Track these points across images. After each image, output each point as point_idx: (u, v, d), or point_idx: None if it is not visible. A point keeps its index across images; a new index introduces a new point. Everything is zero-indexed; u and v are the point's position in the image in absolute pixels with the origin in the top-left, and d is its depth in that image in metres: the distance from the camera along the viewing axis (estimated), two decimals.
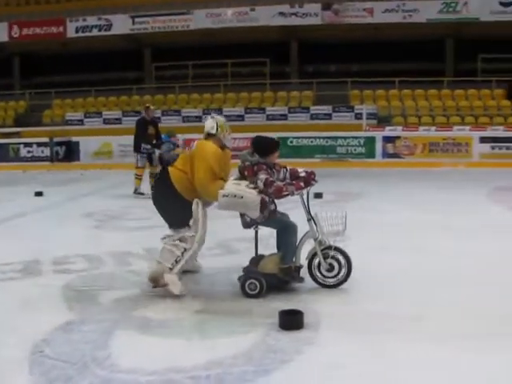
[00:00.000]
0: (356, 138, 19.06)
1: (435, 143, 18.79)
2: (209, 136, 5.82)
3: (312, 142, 19.82)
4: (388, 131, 19.46)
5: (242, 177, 5.61)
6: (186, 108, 23.37)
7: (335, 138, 19.61)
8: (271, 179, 5.41)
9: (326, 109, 21.78)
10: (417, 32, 22.73)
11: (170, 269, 5.54)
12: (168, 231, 5.85)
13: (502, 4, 22.11)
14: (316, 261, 5.69)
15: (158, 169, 11.96)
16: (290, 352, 4.12)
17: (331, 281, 5.67)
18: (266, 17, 23.13)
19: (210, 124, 5.86)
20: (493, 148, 18.62)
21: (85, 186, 15.00)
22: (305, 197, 5.64)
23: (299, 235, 5.62)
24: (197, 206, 5.58)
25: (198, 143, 5.79)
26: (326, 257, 5.64)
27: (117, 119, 23.30)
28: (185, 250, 5.60)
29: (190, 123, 21.63)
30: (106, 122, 23.33)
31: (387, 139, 19.00)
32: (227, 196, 5.36)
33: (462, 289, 5.57)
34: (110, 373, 3.81)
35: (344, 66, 24.79)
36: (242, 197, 5.33)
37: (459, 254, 6.83)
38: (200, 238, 5.64)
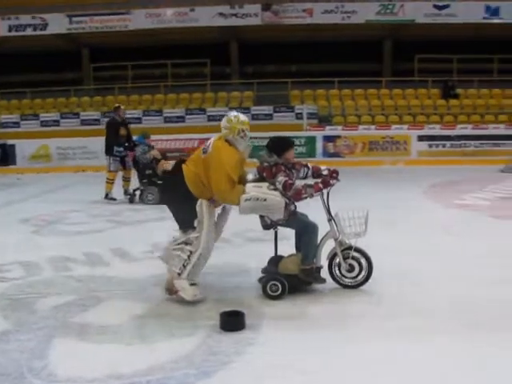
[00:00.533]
0: (297, 137, 19.18)
1: (375, 142, 19.15)
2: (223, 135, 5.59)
3: (253, 142, 19.76)
4: (328, 131, 19.70)
5: (260, 178, 5.58)
6: (125, 110, 22.97)
7: None
8: (290, 181, 5.37)
9: (266, 109, 21.86)
10: (356, 33, 23.10)
11: (179, 274, 5.35)
12: (177, 233, 5.69)
13: (436, 7, 22.68)
14: (336, 261, 5.68)
15: (134, 172, 11.82)
16: (231, 353, 4.12)
17: (351, 281, 5.66)
18: (205, 17, 23.02)
19: (223, 123, 5.59)
20: (430, 146, 19.12)
21: (21, 190, 14.58)
22: (325, 197, 5.61)
23: (319, 235, 5.56)
24: (201, 206, 5.39)
25: (215, 146, 5.46)
26: (346, 257, 5.64)
27: (55, 121, 22.73)
28: (190, 252, 5.38)
29: (130, 125, 21.27)
30: (44, 124, 22.74)
31: (328, 139, 19.24)
32: (250, 200, 5.29)
33: (405, 286, 5.72)
34: (48, 383, 3.73)
35: (284, 67, 24.94)
36: (265, 199, 5.28)
37: (401, 251, 7.02)
38: (205, 239, 5.34)
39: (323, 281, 5.59)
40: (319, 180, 5.52)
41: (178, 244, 5.48)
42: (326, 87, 22.97)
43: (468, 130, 19.70)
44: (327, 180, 5.51)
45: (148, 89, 23.68)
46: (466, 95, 22.44)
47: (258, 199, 5.28)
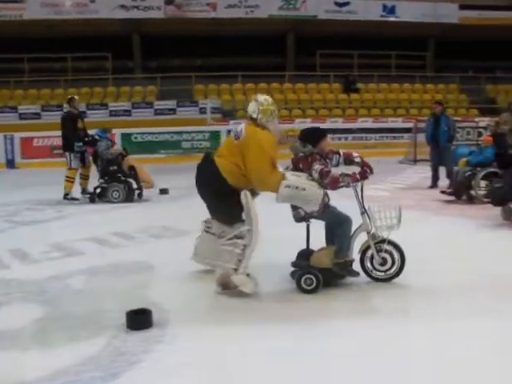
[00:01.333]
0: (201, 132, 19.11)
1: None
2: (252, 120, 5.47)
3: (157, 137, 19.58)
4: (232, 125, 19.68)
5: (295, 169, 5.46)
6: (22, 104, 21.99)
7: (180, 133, 19.54)
8: (326, 169, 5.30)
9: (170, 104, 21.63)
10: (259, 27, 23.25)
11: (235, 269, 5.29)
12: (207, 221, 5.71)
13: (336, 4, 23.25)
14: (369, 254, 5.61)
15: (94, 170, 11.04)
16: (139, 352, 4.02)
17: (383, 275, 5.62)
18: (106, 9, 22.49)
19: (251, 107, 5.49)
20: (332, 139, 19.49)
21: None
22: (358, 189, 5.53)
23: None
24: (246, 198, 5.24)
25: (249, 131, 5.37)
26: (379, 250, 5.59)
27: None
28: (244, 246, 5.30)
29: (27, 120, 20.45)
30: None
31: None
32: (289, 187, 5.17)
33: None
34: None
35: (188, 61, 24.75)
36: (304, 189, 5.17)
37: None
38: (256, 231, 5.27)
39: (357, 274, 5.54)
40: (356, 171, 5.48)
41: (229, 239, 5.41)
42: (229, 81, 23.03)
43: (369, 123, 20.36)
44: (365, 172, 5.48)
45: (47, 83, 22.80)
46: (367, 90, 23.16)
47: (297, 188, 5.19)
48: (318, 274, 5.35)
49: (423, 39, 25.38)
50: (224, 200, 5.36)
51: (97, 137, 11.28)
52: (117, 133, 17.74)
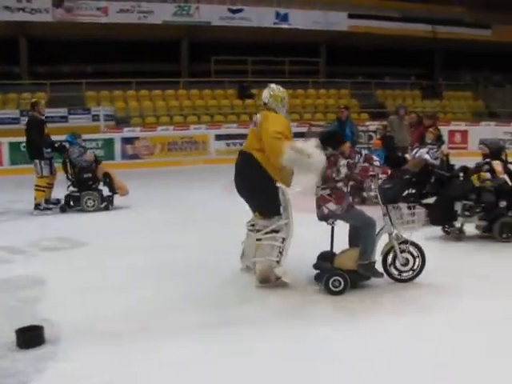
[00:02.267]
0: (94, 140, 18.52)
1: (174, 142, 19.13)
2: (264, 106, 6.02)
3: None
4: (126, 132, 19.31)
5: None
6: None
7: None
8: (353, 161, 5.55)
9: (61, 111, 20.78)
10: (153, 33, 22.87)
11: (278, 262, 5.67)
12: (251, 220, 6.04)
13: (230, 10, 23.37)
14: (391, 255, 5.82)
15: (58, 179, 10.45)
16: (30, 372, 3.83)
17: (406, 275, 5.87)
18: None
19: (264, 94, 6.07)
20: (228, 145, 19.59)
21: None
22: (378, 192, 5.80)
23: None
24: (284, 194, 5.69)
25: (262, 114, 5.93)
26: (402, 251, 5.80)
27: None
28: (283, 239, 5.70)
29: None
30: None
31: (126, 140, 18.79)
32: (295, 150, 5.44)
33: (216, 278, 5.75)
34: None
35: (79, 67, 24.03)
36: (309, 156, 5.38)
37: (203, 248, 7.09)
38: (292, 225, 5.71)
39: (381, 275, 5.72)
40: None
41: (267, 233, 5.76)
42: (123, 88, 22.53)
43: None
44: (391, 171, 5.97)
45: None
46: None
47: (303, 152, 5.38)
48: (345, 276, 5.51)
49: (315, 46, 26.01)
50: (264, 191, 5.74)
51: (67, 143, 10.83)
52: (4, 142, 17.03)
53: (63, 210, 10.45)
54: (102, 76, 22.19)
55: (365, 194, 10.45)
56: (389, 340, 4.51)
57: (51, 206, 10.53)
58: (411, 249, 5.89)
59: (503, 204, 7.77)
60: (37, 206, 10.39)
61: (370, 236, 5.65)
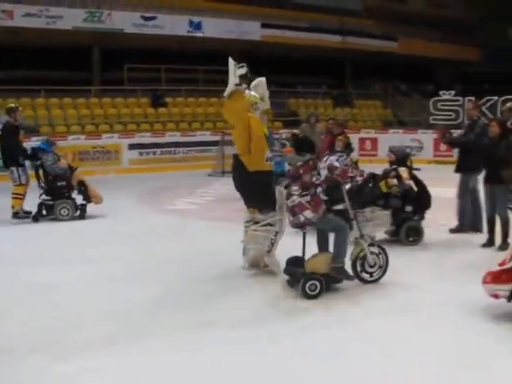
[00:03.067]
0: None
1: (85, 152, 18.63)
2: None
3: None
4: (35, 142, 18.63)
5: (293, 181, 5.80)
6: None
7: None
8: (333, 164, 5.76)
9: None
10: (63, 39, 22.18)
11: (268, 252, 6.30)
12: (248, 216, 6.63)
13: (143, 18, 23.06)
14: (361, 257, 6.09)
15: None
16: None
17: (376, 274, 6.18)
18: None
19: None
20: (141, 154, 19.30)
21: None
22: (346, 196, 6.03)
23: None
24: (280, 193, 6.19)
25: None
26: (371, 253, 6.11)
27: None
28: (276, 232, 6.25)
29: None
30: None
31: None
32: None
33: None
34: None
35: None
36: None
37: (114, 258, 6.94)
38: (285, 221, 6.22)
39: (353, 277, 5.99)
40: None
41: (263, 225, 6.33)
42: (31, 96, 21.71)
43: (177, 137, 20.35)
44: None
45: None
46: (175, 104, 23.17)
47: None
48: (321, 280, 5.67)
49: (229, 55, 25.82)
50: (254, 193, 6.47)
51: (40, 150, 10.36)
52: None
53: (36, 219, 10.13)
54: (8, 83, 21.32)
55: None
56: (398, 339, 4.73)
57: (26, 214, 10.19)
58: (377, 251, 6.21)
59: (409, 209, 8.03)
60: (15, 215, 10.09)
61: (344, 241, 5.87)
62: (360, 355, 4.46)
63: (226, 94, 6.44)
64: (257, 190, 6.41)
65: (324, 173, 5.70)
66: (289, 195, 5.88)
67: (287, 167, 10.11)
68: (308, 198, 5.72)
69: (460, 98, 21.37)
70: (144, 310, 5.46)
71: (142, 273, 6.74)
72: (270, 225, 6.28)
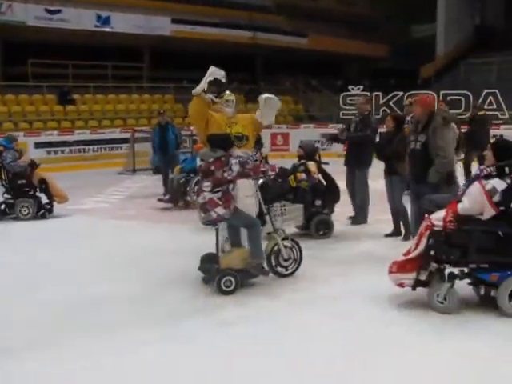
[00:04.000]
0: None
1: None
2: None
3: None
4: None
5: (203, 176, 5.72)
6: None
7: None
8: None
9: None
10: None
11: None
12: None
13: (48, 11, 22.25)
14: (275, 251, 6.14)
15: None
16: None
17: (291, 267, 6.26)
18: None
19: None
20: (48, 153, 18.63)
21: None
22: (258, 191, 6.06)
23: None
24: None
25: None
26: (285, 246, 6.17)
27: None
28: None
29: None
30: None
31: None
32: None
33: None
34: None
35: None
36: None
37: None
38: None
39: (268, 272, 6.02)
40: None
41: None
42: None
43: (86, 135, 19.77)
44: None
45: None
46: (83, 101, 22.49)
47: None
48: (236, 276, 5.66)
49: (138, 50, 25.64)
50: None
51: (1, 147, 9.82)
52: None
53: None
54: None
55: (188, 197, 10.41)
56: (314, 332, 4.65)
57: None
58: (291, 244, 6.28)
59: (318, 202, 8.14)
60: None
61: (258, 236, 5.91)
62: (277, 350, 4.47)
63: (193, 92, 6.25)
64: None
65: (236, 168, 5.66)
66: (200, 191, 5.78)
67: (199, 162, 10.05)
68: (220, 194, 5.67)
69: (368, 93, 21.97)
70: (55, 315, 5.24)
71: (52, 275, 6.49)
72: None
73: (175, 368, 4.18)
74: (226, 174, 5.65)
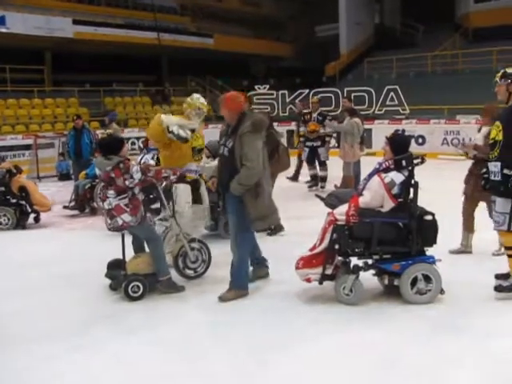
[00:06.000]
0: None
1: None
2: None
3: None
4: None
5: (107, 186, 5.50)
6: None
7: None
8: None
9: None
10: None
11: None
12: None
13: None
14: (182, 254, 6.08)
15: None
16: None
17: (200, 269, 6.21)
18: None
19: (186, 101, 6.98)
20: None
21: None
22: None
23: None
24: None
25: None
26: (192, 248, 6.10)
27: None
28: None
29: None
30: None
31: None
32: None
33: None
34: None
35: None
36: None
37: None
38: None
39: (183, 288, 5.81)
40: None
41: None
42: None
43: None
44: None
45: None
46: None
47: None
48: (144, 280, 5.56)
49: (39, 52, 24.73)
50: None
51: None
52: None
53: None
54: None
55: (95, 203, 10.17)
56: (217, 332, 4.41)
57: None
58: (199, 246, 6.25)
59: None
60: None
61: (159, 251, 5.75)
62: (184, 353, 4.44)
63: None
64: None
65: (138, 176, 5.53)
66: (105, 198, 5.64)
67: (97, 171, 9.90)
68: (126, 200, 5.56)
69: (274, 92, 22.28)
70: None
71: None
72: None
73: (85, 379, 4.09)
74: (127, 182, 5.51)
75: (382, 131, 15.07)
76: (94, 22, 24.79)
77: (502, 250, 6.46)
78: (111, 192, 5.55)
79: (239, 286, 5.62)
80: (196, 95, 7.09)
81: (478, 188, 6.35)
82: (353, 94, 17.80)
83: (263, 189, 5.48)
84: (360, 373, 4.07)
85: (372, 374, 4.06)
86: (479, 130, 7.03)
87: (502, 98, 5.50)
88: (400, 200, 5.31)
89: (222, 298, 5.53)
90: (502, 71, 5.51)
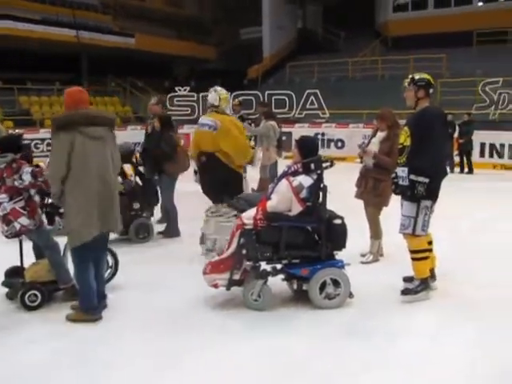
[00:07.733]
0: None
1: None
2: (213, 107, 6.86)
3: None
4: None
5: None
6: None
7: None
8: (38, 169, 5.17)
9: None
10: None
11: None
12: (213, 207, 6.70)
13: None
14: None
15: None
16: None
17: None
18: None
19: (212, 97, 6.87)
20: None
21: None
22: None
23: None
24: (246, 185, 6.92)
25: (222, 119, 6.81)
26: None
27: None
28: None
29: None
30: None
31: None
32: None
33: None
34: None
35: None
36: None
37: None
38: None
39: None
40: None
41: (229, 217, 6.33)
42: None
43: None
44: None
45: None
46: None
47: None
48: (42, 289, 5.26)
49: None
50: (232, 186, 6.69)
51: None
52: None
53: None
54: None
55: None
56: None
57: None
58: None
59: (137, 206, 7.87)
60: None
61: (57, 259, 5.42)
62: (85, 363, 4.24)
63: None
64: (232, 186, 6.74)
65: (27, 178, 5.18)
66: None
67: None
68: (22, 203, 5.24)
69: (195, 94, 22.06)
70: None
71: None
72: (236, 216, 6.03)
73: None
74: (16, 183, 5.18)
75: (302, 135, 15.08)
76: (8, 16, 23.85)
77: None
78: (3, 196, 5.19)
79: (87, 309, 5.05)
80: (218, 88, 7.04)
81: (368, 190, 6.55)
82: (273, 98, 17.85)
83: (71, 198, 4.79)
84: (268, 378, 3.99)
85: (279, 379, 3.98)
86: (374, 135, 6.87)
87: (410, 103, 5.53)
88: (308, 204, 5.24)
89: (68, 318, 5.07)
90: (411, 77, 5.54)
